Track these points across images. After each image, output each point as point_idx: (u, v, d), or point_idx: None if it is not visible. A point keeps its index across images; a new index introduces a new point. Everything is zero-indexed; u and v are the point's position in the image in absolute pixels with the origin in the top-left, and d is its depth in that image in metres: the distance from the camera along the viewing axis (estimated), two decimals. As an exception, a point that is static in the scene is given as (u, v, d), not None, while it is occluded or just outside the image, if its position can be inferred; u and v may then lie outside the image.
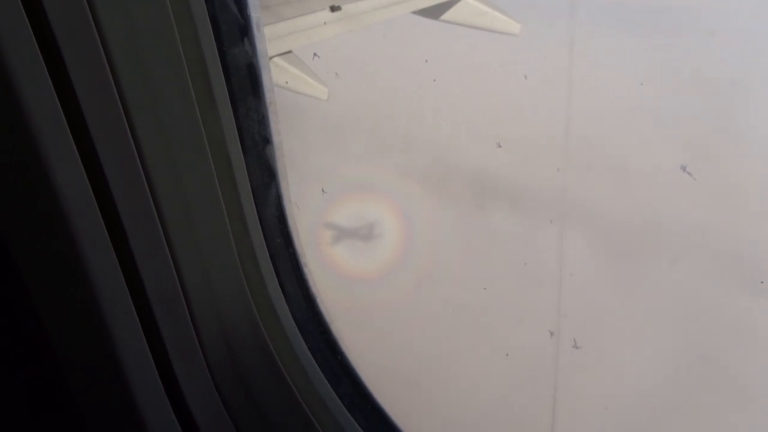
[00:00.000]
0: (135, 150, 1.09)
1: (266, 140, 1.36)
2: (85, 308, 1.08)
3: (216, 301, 1.28)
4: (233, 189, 1.28)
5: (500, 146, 5.55)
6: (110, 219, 1.08)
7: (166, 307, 1.17)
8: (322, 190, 5.31)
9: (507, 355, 5.25)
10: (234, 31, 1.24)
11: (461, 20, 4.46)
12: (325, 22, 3.73)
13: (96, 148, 1.03)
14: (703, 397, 5.09)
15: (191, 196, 1.20)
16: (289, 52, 3.67)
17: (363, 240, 5.54)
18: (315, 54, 3.79)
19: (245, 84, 1.30)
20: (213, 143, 1.22)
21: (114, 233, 1.08)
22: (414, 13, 4.51)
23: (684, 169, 5.17)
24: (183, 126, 1.16)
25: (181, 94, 1.15)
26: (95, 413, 1.17)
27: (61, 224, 1.02)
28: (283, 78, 3.71)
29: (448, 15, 4.39)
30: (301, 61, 3.79)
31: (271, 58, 3.70)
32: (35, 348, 1.12)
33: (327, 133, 5.52)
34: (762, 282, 5.18)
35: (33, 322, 1.08)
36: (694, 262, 5.43)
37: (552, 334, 5.24)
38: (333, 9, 3.76)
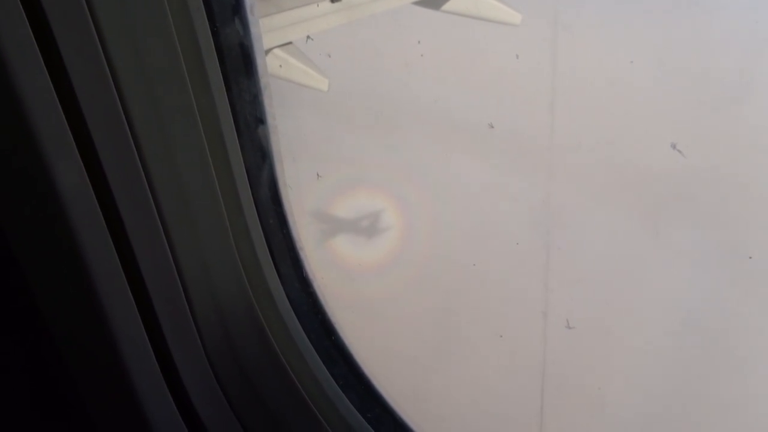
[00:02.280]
0: (129, 132, 1.09)
1: (260, 121, 1.36)
2: (81, 294, 1.08)
3: (212, 284, 1.28)
4: (227, 171, 1.28)
5: (492, 126, 5.54)
6: (104, 204, 1.08)
7: (162, 291, 1.18)
8: (317, 175, 5.30)
9: (501, 336, 5.27)
10: (227, 14, 1.23)
11: (462, 10, 4.46)
12: (325, 13, 3.72)
13: (90, 131, 1.03)
14: (701, 376, 5.13)
15: (186, 178, 1.20)
16: (290, 43, 3.66)
17: (355, 221, 5.54)
18: (308, 36, 3.77)
19: (239, 66, 1.29)
20: (207, 125, 1.22)
21: (109, 218, 1.08)
22: (415, 3, 4.51)
23: (674, 147, 5.17)
24: (177, 108, 1.16)
25: (174, 76, 1.15)
26: (93, 399, 1.18)
27: (55, 206, 1.02)
28: (284, 70, 3.70)
29: (449, 5, 4.39)
30: (302, 52, 3.78)
31: (271, 49, 3.69)
32: (32, 334, 1.13)
33: (321, 115, 5.50)
34: (750, 257, 5.21)
35: (28, 307, 1.09)
36: (685, 239, 5.46)
37: (545, 314, 5.27)
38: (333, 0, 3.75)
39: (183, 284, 1.22)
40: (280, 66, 3.67)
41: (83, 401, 1.18)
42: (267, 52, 3.70)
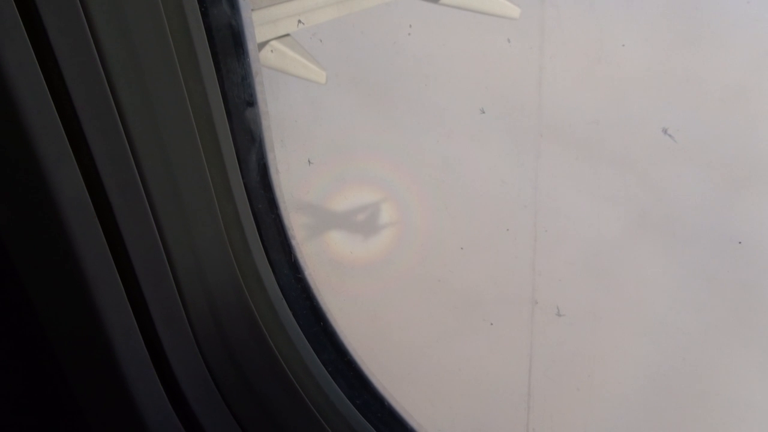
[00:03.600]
0: (118, 117, 1.08)
1: (251, 105, 1.35)
2: (71, 280, 1.07)
3: (202, 270, 1.27)
4: (218, 155, 1.28)
5: (484, 112, 5.53)
6: (94, 190, 1.07)
7: (151, 277, 1.17)
8: (309, 161, 5.29)
9: (491, 324, 5.30)
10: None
11: (461, 4, 4.46)
12: (323, 6, 3.70)
13: (79, 116, 1.02)
14: (691, 363, 5.17)
15: (176, 164, 1.19)
16: (287, 35, 3.64)
17: (347, 206, 5.54)
18: (299, 21, 3.75)
19: (230, 51, 1.28)
20: (197, 109, 1.21)
21: (99, 204, 1.07)
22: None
23: (665, 131, 5.17)
24: (167, 91, 1.14)
25: (165, 62, 1.13)
26: (83, 386, 1.17)
27: (45, 197, 1.01)
28: (281, 62, 3.69)
29: (447, -1, 4.40)
30: (299, 45, 3.75)
31: (269, 41, 3.67)
32: (21, 320, 1.12)
33: (311, 99, 5.48)
34: (740, 242, 5.24)
35: (17, 292, 1.08)
36: (674, 223, 5.48)
37: (536, 303, 5.29)
38: (331, -9, 3.72)
39: (173, 270, 1.22)
40: (272, 51, 3.65)
41: (73, 389, 1.17)
42: (265, 43, 3.69)
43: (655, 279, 5.42)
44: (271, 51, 3.70)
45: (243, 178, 1.36)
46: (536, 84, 5.46)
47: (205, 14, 1.21)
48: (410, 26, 5.40)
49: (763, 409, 5.07)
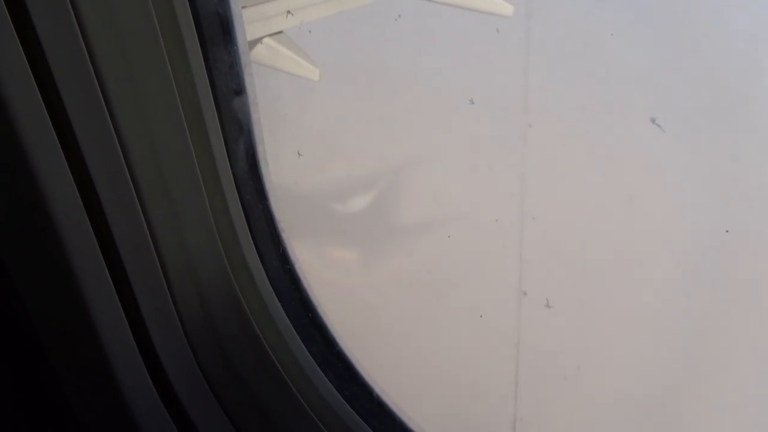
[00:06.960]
0: (106, 107, 1.07)
1: (239, 93, 1.34)
2: (56, 270, 1.06)
3: (190, 261, 1.27)
4: (206, 144, 1.27)
5: (473, 103, 5.52)
6: (80, 178, 1.05)
7: (140, 268, 1.17)
8: (298, 153, 5.26)
9: (481, 316, 5.30)
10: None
11: (454, 1, 4.43)
12: (317, 3, 3.68)
13: (66, 106, 1.01)
14: (681, 359, 5.20)
15: (164, 154, 1.18)
16: (280, 32, 3.61)
17: (333, 195, 5.53)
18: (288, 12, 3.73)
19: (217, 34, 1.27)
20: (184, 96, 1.20)
21: (85, 194, 1.06)
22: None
23: (653, 121, 5.18)
24: (155, 82, 1.13)
25: (152, 49, 1.12)
26: (70, 377, 1.17)
27: (30, 186, 1.00)
28: (273, 59, 3.66)
29: (439, -5, 4.37)
30: (293, 41, 3.72)
31: (261, 38, 3.64)
32: (7, 314, 1.11)
33: (299, 88, 5.46)
34: (727, 231, 5.25)
35: (3, 286, 1.07)
36: (660, 213, 5.50)
37: (525, 294, 5.30)
38: (325, -13, 3.69)
39: (162, 262, 1.21)
40: (265, 48, 3.63)
41: (61, 381, 1.17)
42: (257, 41, 3.68)
43: (644, 270, 5.44)
44: (265, 48, 3.69)
45: (232, 168, 1.35)
46: (523, 72, 5.46)
47: (192, 2, 1.20)
48: (399, 16, 5.38)
49: (753, 402, 5.11)
